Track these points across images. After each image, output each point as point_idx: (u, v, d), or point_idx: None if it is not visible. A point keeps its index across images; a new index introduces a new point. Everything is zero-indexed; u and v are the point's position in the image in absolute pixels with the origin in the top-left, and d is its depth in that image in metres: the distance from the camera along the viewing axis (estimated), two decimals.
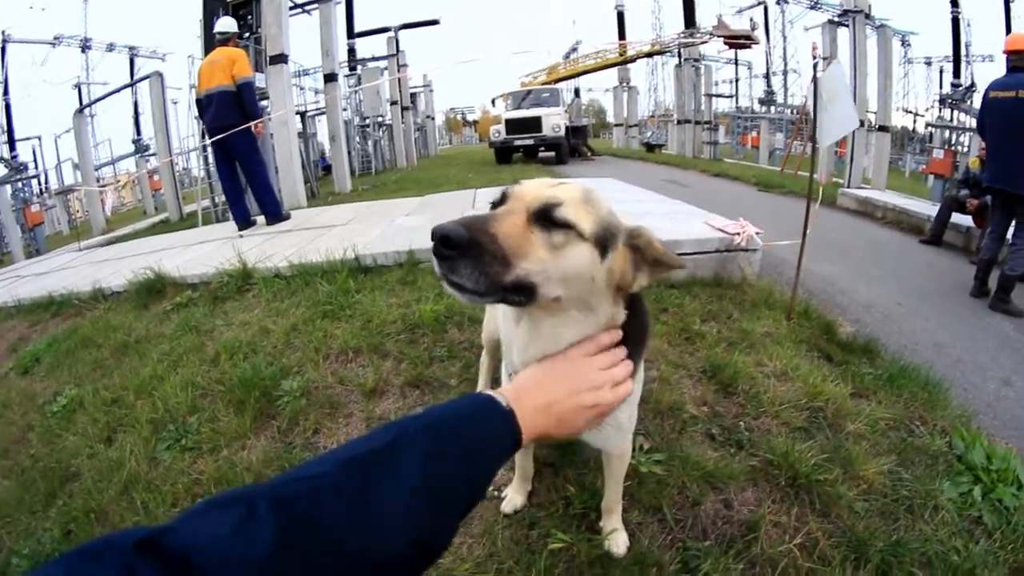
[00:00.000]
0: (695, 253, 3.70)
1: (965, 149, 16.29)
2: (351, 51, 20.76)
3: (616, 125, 33.00)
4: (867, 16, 12.32)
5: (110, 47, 25.39)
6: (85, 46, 24.75)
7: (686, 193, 9.76)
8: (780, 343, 2.89)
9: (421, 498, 0.62)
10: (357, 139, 19.05)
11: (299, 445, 2.22)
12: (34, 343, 3.96)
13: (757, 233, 3.79)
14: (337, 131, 12.37)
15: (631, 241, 0.95)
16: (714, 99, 26.47)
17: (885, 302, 4.67)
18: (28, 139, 22.92)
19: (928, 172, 16.91)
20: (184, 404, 2.57)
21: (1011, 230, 4.80)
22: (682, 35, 23.59)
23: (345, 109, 17.22)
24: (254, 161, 6.38)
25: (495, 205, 0.93)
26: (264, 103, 8.62)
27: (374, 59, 20.37)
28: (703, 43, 23.30)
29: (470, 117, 68.78)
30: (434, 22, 20.71)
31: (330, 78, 12.32)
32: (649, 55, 26.86)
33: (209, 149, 7.50)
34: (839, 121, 3.13)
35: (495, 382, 2.36)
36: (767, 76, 30.50)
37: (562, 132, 17.07)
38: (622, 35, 29.93)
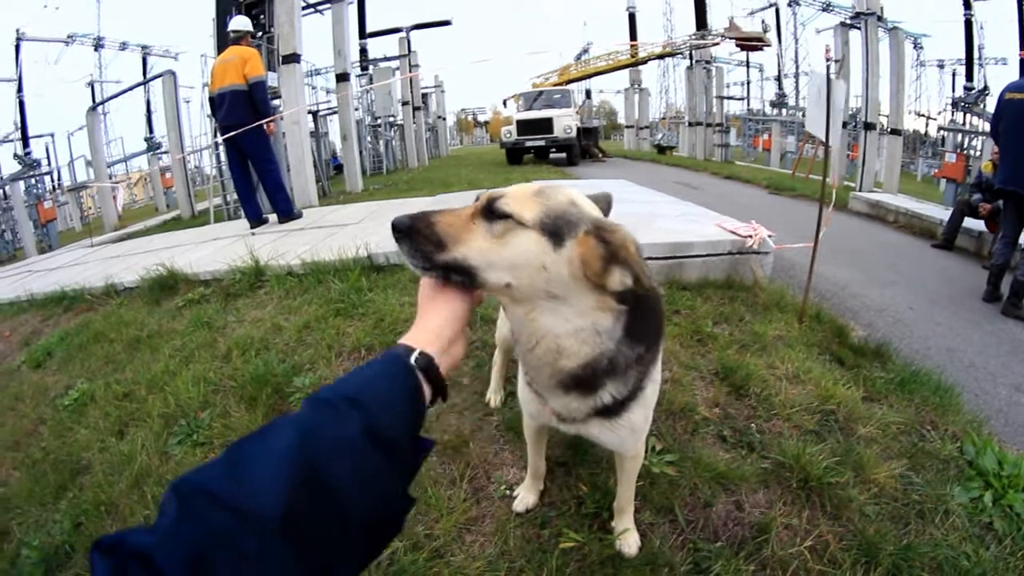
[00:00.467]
0: (707, 255, 3.69)
1: (977, 153, 16.12)
2: (363, 51, 20.80)
3: (627, 127, 32.85)
4: (879, 18, 12.23)
5: (123, 46, 25.52)
6: (98, 45, 24.87)
7: (697, 195, 9.73)
8: (792, 346, 2.88)
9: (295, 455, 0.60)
10: (368, 139, 19.11)
11: None
12: (46, 337, 4.00)
13: (769, 236, 3.77)
14: (349, 131, 12.42)
15: (601, 235, 0.95)
16: (726, 101, 26.36)
17: (897, 306, 4.64)
18: (41, 136, 23.05)
19: (940, 176, 16.79)
20: (196, 399, 2.59)
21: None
22: (694, 37, 23.51)
23: (357, 109, 17.29)
24: (266, 160, 6.41)
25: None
26: (276, 102, 8.66)
27: (386, 59, 20.39)
28: (715, 45, 23.21)
29: (481, 118, 68.72)
30: (446, 23, 20.74)
31: (342, 78, 12.37)
32: (660, 57, 26.81)
33: (222, 147, 7.56)
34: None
35: (508, 380, 2.38)
36: (779, 78, 30.28)
37: (573, 133, 17.01)
38: (633, 37, 29.84)
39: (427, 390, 0.79)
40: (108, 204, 13.57)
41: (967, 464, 2.15)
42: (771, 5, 28.48)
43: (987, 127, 6.66)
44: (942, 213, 7.84)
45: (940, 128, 25.53)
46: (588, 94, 32.17)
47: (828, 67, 3.51)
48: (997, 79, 23.12)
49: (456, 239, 0.92)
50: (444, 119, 32.78)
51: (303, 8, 10.12)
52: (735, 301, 3.42)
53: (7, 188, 15.14)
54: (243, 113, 6.05)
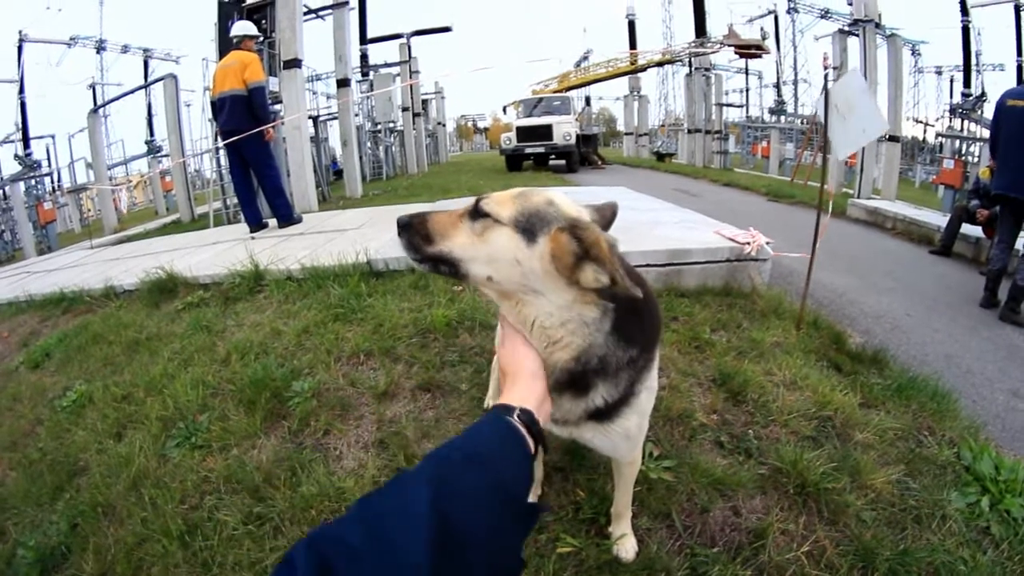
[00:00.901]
0: (706, 262, 3.70)
1: (975, 159, 16.16)
2: (364, 57, 20.81)
3: (626, 134, 32.86)
4: (877, 25, 12.25)
5: (125, 49, 25.51)
6: (100, 47, 24.85)
7: (696, 202, 9.75)
8: (789, 353, 2.89)
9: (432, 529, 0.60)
10: (369, 144, 19.13)
11: (309, 446, 2.23)
12: (45, 338, 4.01)
13: (767, 243, 3.78)
14: (349, 136, 12.42)
15: (575, 232, 0.97)
16: (724, 108, 26.33)
17: (894, 313, 4.65)
18: (42, 137, 23.00)
19: (938, 183, 16.81)
20: (194, 402, 2.60)
21: (1021, 240, 4.78)
22: (693, 44, 23.52)
23: (357, 114, 17.32)
24: (266, 165, 6.42)
25: None
26: (277, 107, 8.68)
27: (386, 65, 20.42)
28: (714, 52, 23.22)
29: (481, 124, 68.74)
30: (446, 29, 20.85)
31: (343, 83, 12.41)
32: (660, 64, 26.82)
33: (222, 151, 7.56)
34: (862, 129, 3.10)
35: None
36: (777, 86, 30.32)
37: (573, 140, 17.07)
38: (633, 44, 29.85)
39: (530, 443, 0.83)
40: (108, 206, 13.57)
41: (964, 469, 2.15)
42: (770, 12, 28.60)
43: (985, 133, 6.67)
44: (940, 220, 7.85)
45: (938, 135, 25.59)
46: (587, 101, 32.16)
47: (827, 75, 3.54)
48: (995, 85, 23.23)
49: (443, 235, 1.05)
50: (444, 125, 32.87)
51: (304, 13, 10.13)
52: (733, 308, 3.43)
53: (7, 189, 15.09)
54: (243, 118, 6.06)
